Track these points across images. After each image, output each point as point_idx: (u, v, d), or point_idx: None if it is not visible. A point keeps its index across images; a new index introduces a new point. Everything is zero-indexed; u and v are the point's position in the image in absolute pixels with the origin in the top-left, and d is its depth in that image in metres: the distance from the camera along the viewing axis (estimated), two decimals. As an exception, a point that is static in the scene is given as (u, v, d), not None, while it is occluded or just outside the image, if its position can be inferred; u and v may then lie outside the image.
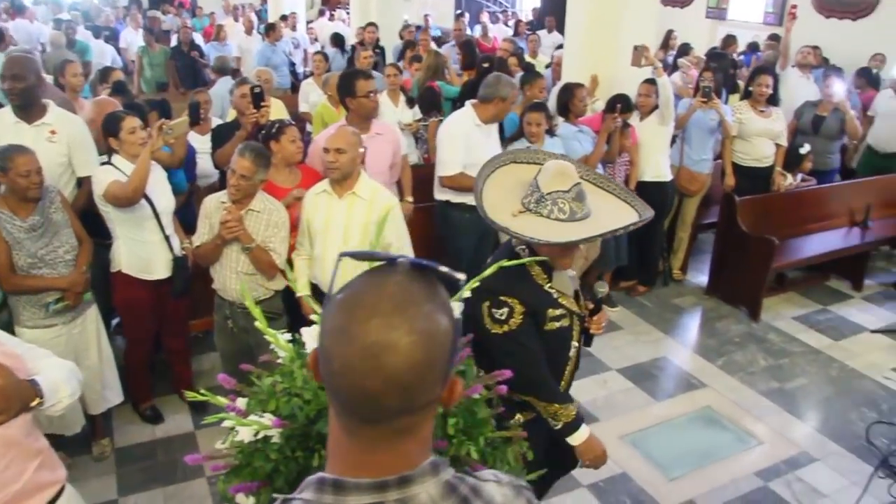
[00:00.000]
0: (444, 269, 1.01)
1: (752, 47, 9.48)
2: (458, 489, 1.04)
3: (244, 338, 3.82)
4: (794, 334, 5.54)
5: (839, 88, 6.29)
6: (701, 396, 4.72)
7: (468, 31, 12.40)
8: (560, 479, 3.21)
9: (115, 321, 4.61)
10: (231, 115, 5.68)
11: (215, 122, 5.63)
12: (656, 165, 5.60)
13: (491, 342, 2.55)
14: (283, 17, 12.43)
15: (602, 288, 2.74)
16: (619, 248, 5.53)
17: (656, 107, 5.54)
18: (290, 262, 3.75)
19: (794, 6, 6.95)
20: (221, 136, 4.75)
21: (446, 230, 4.77)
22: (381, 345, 0.93)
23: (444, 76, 6.82)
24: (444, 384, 1.01)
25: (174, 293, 4.08)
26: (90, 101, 5.23)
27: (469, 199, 4.57)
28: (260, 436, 2.06)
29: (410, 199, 5.14)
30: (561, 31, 7.95)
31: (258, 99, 4.45)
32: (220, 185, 5.05)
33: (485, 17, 12.59)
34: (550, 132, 4.93)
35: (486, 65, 6.63)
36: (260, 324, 2.25)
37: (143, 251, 3.92)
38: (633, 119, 5.55)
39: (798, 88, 6.82)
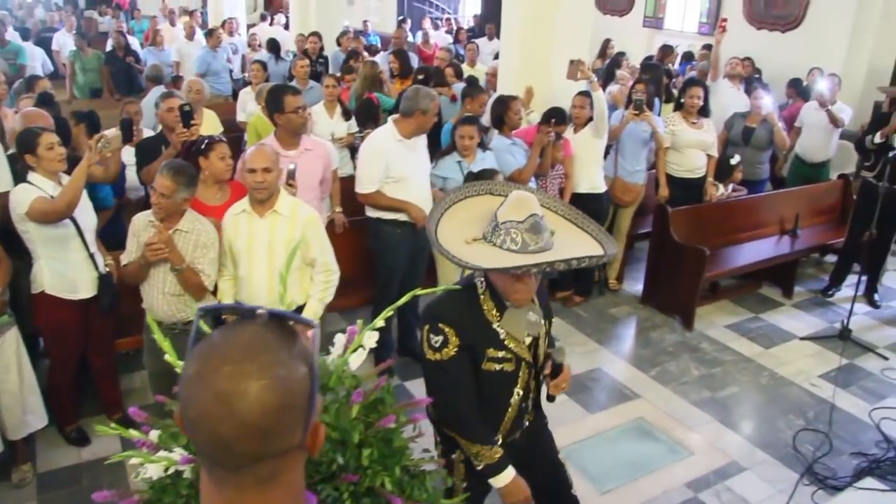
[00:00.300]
0: (300, 317, 1.07)
1: (687, 57, 9.67)
2: None
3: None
4: (726, 343, 5.65)
5: (767, 101, 6.45)
6: (634, 408, 4.77)
7: (410, 38, 12.38)
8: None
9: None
10: (164, 126, 5.55)
11: (147, 133, 5.50)
12: (591, 177, 5.65)
13: (424, 367, 2.53)
14: (230, 20, 12.25)
15: (560, 356, 2.58)
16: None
17: (590, 118, 5.59)
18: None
19: (725, 19, 7.09)
20: (146, 151, 4.64)
21: (378, 246, 4.73)
22: (233, 391, 0.96)
23: (383, 87, 6.76)
24: (305, 430, 1.02)
25: (101, 312, 3.98)
26: (19, 113, 5.05)
27: (401, 216, 4.58)
28: (171, 471, 2.01)
29: (339, 209, 5.10)
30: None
31: (187, 118, 4.36)
32: (147, 200, 4.93)
33: (426, 24, 12.55)
34: (482, 146, 4.93)
35: (421, 76, 6.62)
36: (170, 357, 2.20)
37: (68, 270, 3.82)
38: (568, 131, 5.59)
39: (728, 99, 6.97)
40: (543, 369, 2.62)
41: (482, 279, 2.45)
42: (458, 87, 6.96)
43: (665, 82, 7.64)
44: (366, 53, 8.75)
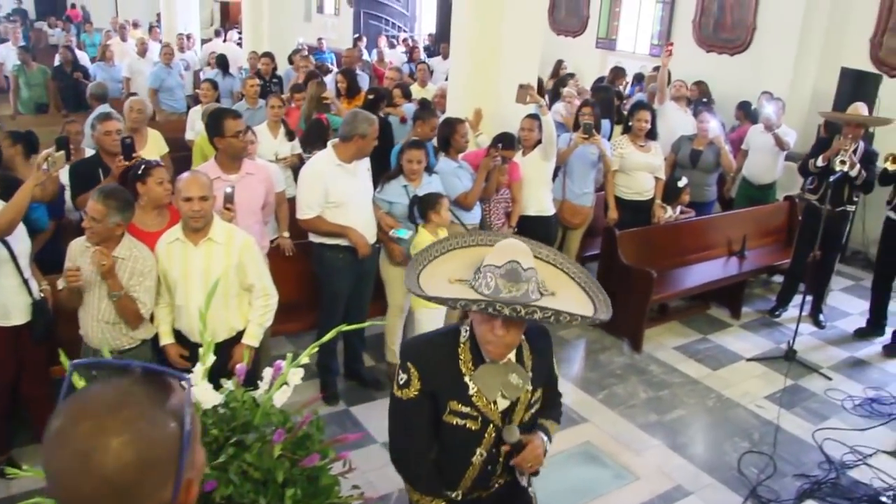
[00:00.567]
0: (173, 371, 1.06)
1: (639, 78, 9.78)
2: None
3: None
4: (674, 364, 5.67)
5: (714, 124, 6.54)
6: (581, 432, 4.75)
7: (366, 56, 12.35)
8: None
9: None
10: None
11: (90, 153, 5.37)
12: (539, 200, 5.65)
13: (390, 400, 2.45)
14: (188, 37, 12.11)
15: (508, 435, 2.31)
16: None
17: (539, 141, 5.60)
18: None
19: (671, 43, 7.20)
20: (80, 175, 4.50)
21: (321, 271, 4.67)
22: (92, 447, 0.94)
23: (329, 108, 6.70)
24: (176, 487, 1.00)
25: (34, 338, 3.86)
26: None
27: (343, 241, 4.53)
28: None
29: (286, 233, 5.04)
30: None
31: (128, 150, 4.26)
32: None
33: (382, 42, 12.53)
34: (428, 169, 4.90)
35: (371, 96, 6.57)
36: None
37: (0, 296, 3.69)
38: (516, 154, 5.59)
39: (675, 122, 7.05)
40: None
41: (467, 327, 2.31)
42: (409, 107, 6.93)
43: (616, 104, 7.72)
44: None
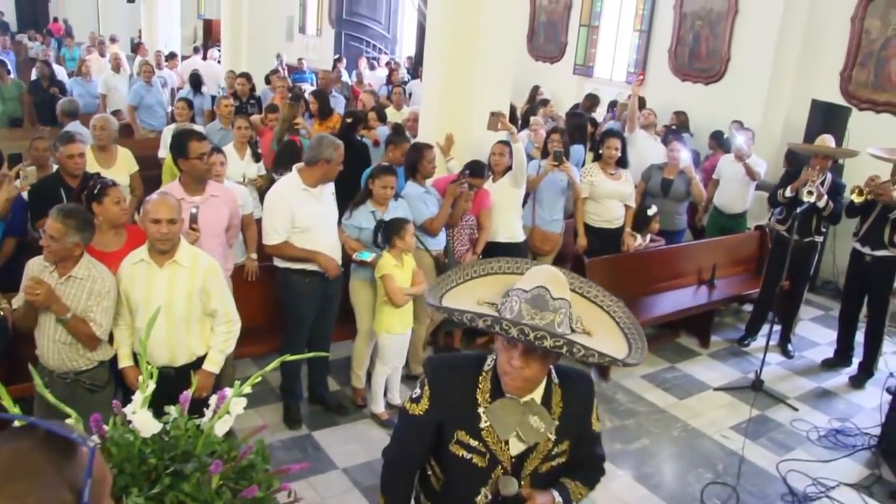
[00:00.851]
0: (76, 436, 1.00)
1: (614, 105, 9.86)
2: None
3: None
4: (641, 393, 5.66)
5: (685, 154, 6.59)
6: (545, 461, 4.71)
7: (345, 77, 12.37)
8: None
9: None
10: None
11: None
12: (509, 226, 5.65)
13: None
14: (173, 56, 12.03)
15: (506, 487, 2.10)
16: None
17: (509, 167, 5.61)
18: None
19: (642, 72, 7.27)
20: (40, 195, 4.43)
21: (286, 296, 4.62)
22: None
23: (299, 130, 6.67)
24: None
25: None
26: None
27: (310, 266, 4.49)
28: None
29: (254, 255, 5.01)
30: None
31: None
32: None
33: (362, 64, 12.55)
34: (395, 195, 4.89)
35: (349, 119, 6.57)
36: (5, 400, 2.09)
37: (-44, 314, 3.63)
38: (487, 181, 5.59)
39: (646, 150, 7.10)
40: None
41: (493, 356, 2.15)
42: (383, 130, 6.94)
43: (591, 131, 7.76)
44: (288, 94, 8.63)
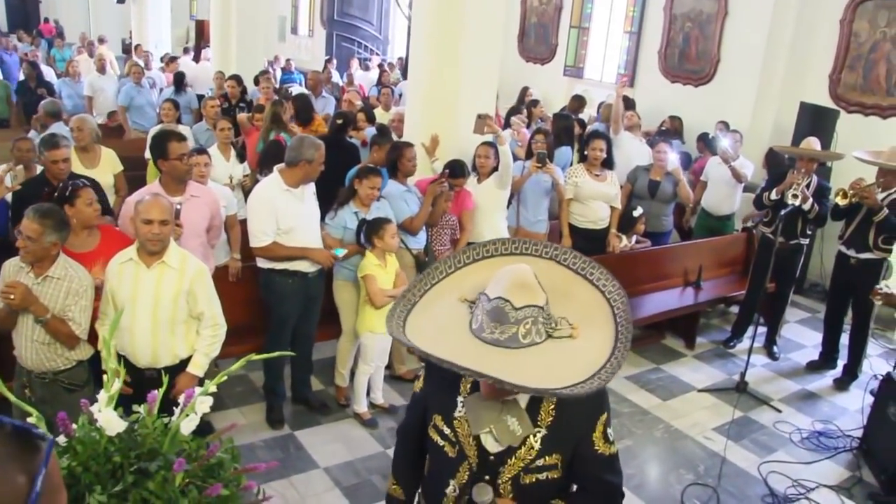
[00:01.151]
0: (39, 432, 1.05)
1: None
2: None
3: (43, 408, 3.54)
4: (625, 394, 5.67)
5: (673, 157, 6.60)
6: (527, 461, 4.71)
7: (336, 78, 12.36)
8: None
9: None
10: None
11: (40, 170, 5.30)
12: (493, 227, 5.65)
13: None
14: (174, 59, 11.96)
15: (481, 497, 2.01)
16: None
17: (495, 168, 5.62)
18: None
19: (626, 74, 7.27)
20: (24, 197, 4.40)
21: (270, 297, 4.62)
22: None
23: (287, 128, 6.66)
24: None
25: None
26: None
27: (293, 265, 4.49)
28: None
29: (237, 256, 5.01)
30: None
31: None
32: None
33: (353, 65, 12.55)
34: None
35: (339, 121, 6.55)
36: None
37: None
38: (471, 181, 5.60)
39: (631, 151, 7.10)
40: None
41: None
42: (371, 131, 6.93)
43: (579, 132, 7.76)
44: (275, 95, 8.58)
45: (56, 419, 2.21)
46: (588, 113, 9.40)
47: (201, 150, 5.18)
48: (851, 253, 5.88)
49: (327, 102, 9.35)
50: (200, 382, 3.65)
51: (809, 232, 6.30)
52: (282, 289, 4.55)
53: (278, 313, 4.63)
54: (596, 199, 6.12)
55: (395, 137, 6.23)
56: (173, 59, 12.34)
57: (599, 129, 7.63)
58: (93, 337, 3.63)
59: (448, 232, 5.46)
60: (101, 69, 9.97)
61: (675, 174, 6.58)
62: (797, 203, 5.63)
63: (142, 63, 10.59)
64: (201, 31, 18.28)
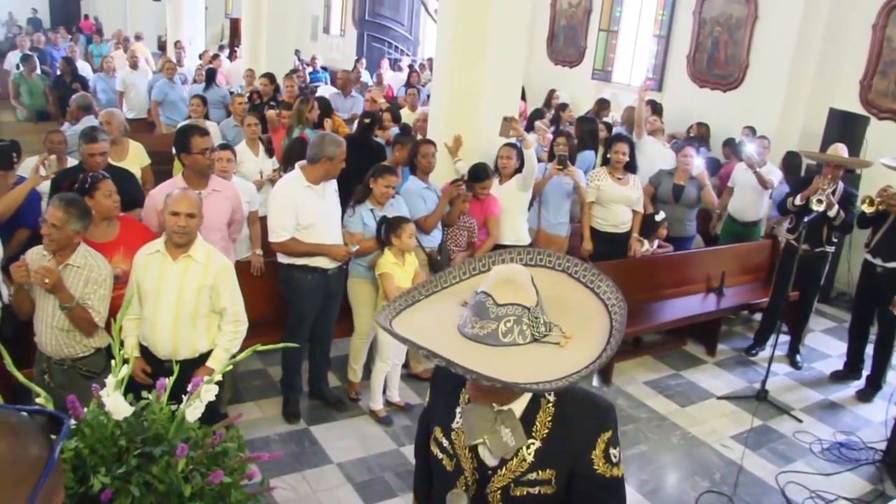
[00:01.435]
0: (59, 413, 1.18)
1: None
2: None
3: (61, 394, 3.63)
4: (642, 399, 5.63)
5: (698, 161, 6.54)
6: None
7: (366, 78, 12.43)
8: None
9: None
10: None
11: (71, 163, 5.42)
12: (515, 229, 5.66)
13: None
14: (216, 56, 12.08)
15: (454, 500, 1.97)
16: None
17: (517, 170, 5.62)
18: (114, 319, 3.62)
19: (650, 78, 7.22)
20: (61, 187, 4.51)
21: (289, 293, 4.67)
22: None
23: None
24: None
25: (3, 341, 3.88)
26: None
27: (313, 261, 4.53)
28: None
29: (259, 251, 5.07)
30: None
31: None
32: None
33: (383, 65, 12.62)
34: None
35: (366, 120, 6.60)
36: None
37: (-33, 298, 3.75)
38: (493, 182, 5.59)
39: (655, 155, 7.04)
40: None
41: None
42: (396, 131, 6.98)
43: (604, 136, 7.72)
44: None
45: (67, 402, 2.26)
46: (613, 116, 9.34)
47: (225, 146, 5.25)
48: (878, 262, 5.78)
49: (356, 102, 9.41)
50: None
51: (835, 239, 6.20)
52: (301, 284, 4.59)
53: (297, 309, 4.68)
54: (618, 202, 6.08)
55: (414, 137, 6.25)
56: (216, 55, 12.51)
57: (621, 132, 7.59)
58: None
59: (465, 233, 5.46)
60: (134, 65, 10.14)
61: (699, 178, 6.51)
62: (821, 209, 5.56)
63: (174, 59, 10.74)
64: (235, 28, 18.49)
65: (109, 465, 2.08)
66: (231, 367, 2.28)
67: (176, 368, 2.50)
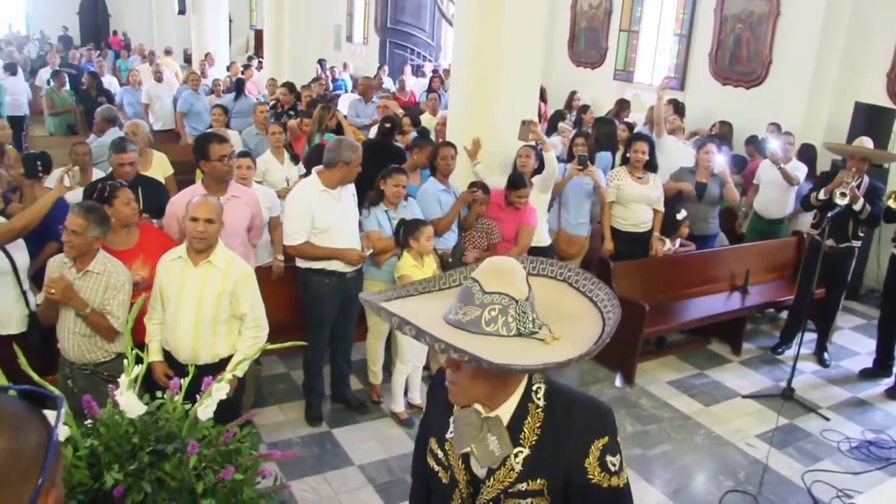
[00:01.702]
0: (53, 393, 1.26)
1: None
2: None
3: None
4: (666, 399, 5.58)
5: (720, 159, 6.49)
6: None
7: (388, 84, 12.51)
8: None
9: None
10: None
11: (97, 174, 5.52)
12: (536, 230, 5.64)
13: None
14: (247, 66, 12.27)
15: None
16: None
17: (535, 171, 5.62)
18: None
19: (669, 77, 7.17)
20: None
21: (307, 296, 4.71)
22: None
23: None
24: (35, 490, 1.06)
25: (30, 348, 3.97)
26: None
27: (330, 265, 4.57)
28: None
29: (281, 257, 5.12)
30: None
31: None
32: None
33: (406, 71, 12.69)
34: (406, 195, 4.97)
35: (387, 125, 6.65)
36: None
37: (-1, 306, 3.86)
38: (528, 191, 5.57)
39: (675, 154, 6.99)
40: None
41: None
42: (415, 135, 7.01)
43: (625, 136, 7.69)
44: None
45: (83, 402, 2.31)
46: (635, 117, 9.29)
47: (244, 154, 5.32)
48: (905, 257, 5.69)
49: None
50: (240, 383, 3.75)
51: (861, 234, 6.09)
52: (319, 288, 4.63)
53: (315, 312, 4.72)
54: (638, 201, 6.04)
55: (433, 140, 6.29)
56: (247, 66, 12.68)
57: (641, 131, 7.55)
58: (138, 331, 3.77)
59: (483, 236, 5.44)
60: (158, 78, 10.32)
61: (721, 176, 6.45)
62: (845, 203, 5.48)
63: (198, 71, 10.91)
64: (260, 40, 18.75)
65: (123, 462, 2.12)
66: (247, 369, 2.32)
67: (192, 370, 2.53)
